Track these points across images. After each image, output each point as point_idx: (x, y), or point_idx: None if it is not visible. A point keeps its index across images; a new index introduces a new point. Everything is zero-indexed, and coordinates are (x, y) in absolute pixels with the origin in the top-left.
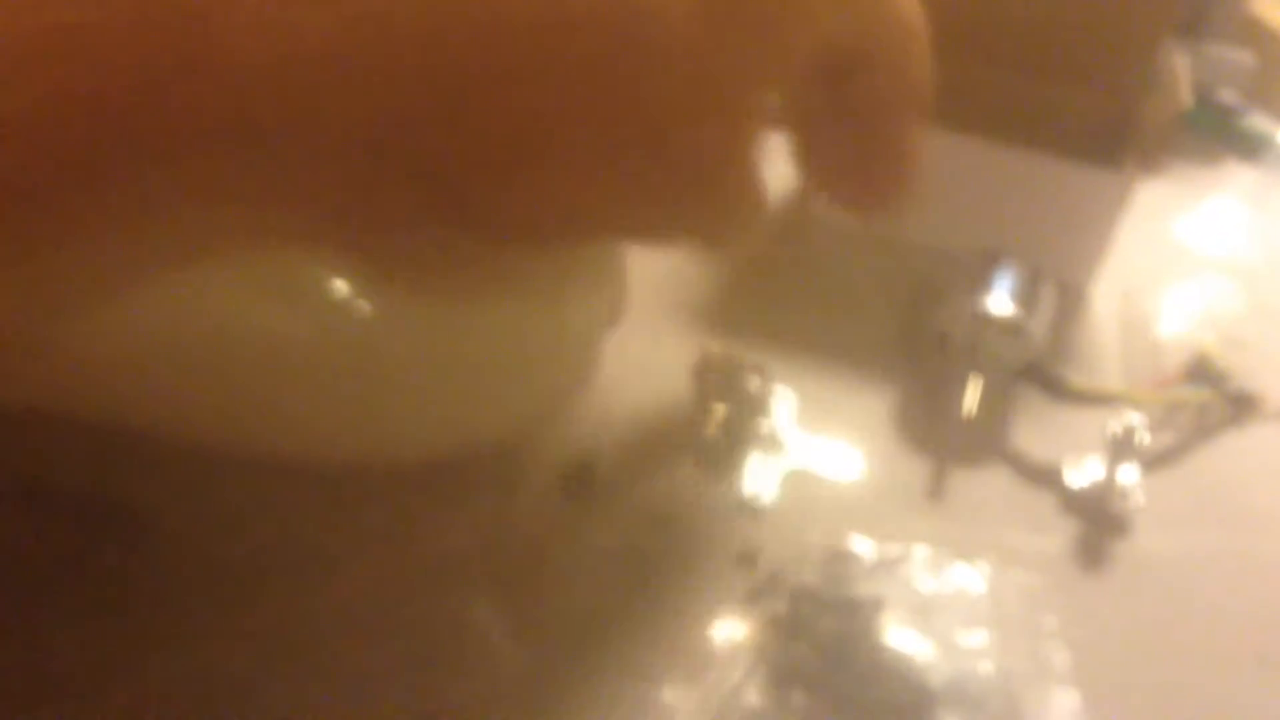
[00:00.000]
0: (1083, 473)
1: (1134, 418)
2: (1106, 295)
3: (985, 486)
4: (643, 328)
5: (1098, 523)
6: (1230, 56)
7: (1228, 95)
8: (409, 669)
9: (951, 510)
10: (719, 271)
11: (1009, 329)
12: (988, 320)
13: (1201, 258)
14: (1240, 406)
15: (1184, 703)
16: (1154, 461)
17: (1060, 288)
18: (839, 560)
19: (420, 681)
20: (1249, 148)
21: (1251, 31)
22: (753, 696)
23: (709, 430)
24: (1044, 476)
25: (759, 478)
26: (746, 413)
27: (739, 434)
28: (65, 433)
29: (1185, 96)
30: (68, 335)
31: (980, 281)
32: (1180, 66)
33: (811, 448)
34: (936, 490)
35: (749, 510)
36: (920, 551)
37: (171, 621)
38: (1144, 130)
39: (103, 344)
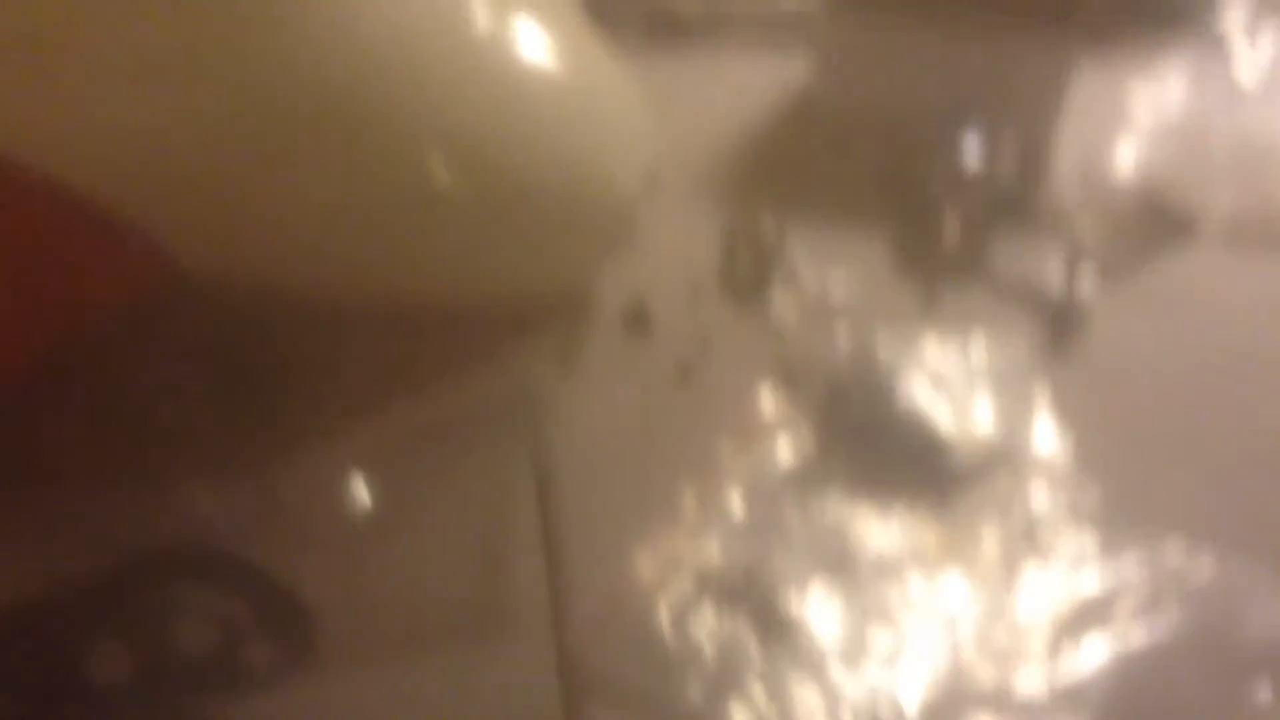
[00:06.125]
0: (1048, 282)
1: (1085, 234)
2: (1068, 145)
3: (970, 300)
4: (680, 196)
5: (1063, 318)
6: None
7: None
8: None
9: (944, 316)
10: (742, 151)
11: (978, 173)
12: (960, 167)
13: (1149, 113)
14: (1182, 229)
15: (1138, 427)
16: (1111, 273)
17: (1023, 137)
18: (861, 349)
19: None
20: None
21: None
22: (792, 458)
23: (738, 271)
24: (1017, 288)
25: (782, 306)
26: (768, 254)
27: (764, 273)
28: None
29: None
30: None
31: (954, 137)
32: None
33: (825, 280)
34: (930, 303)
35: (775, 332)
36: (929, 336)
37: None
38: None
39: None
